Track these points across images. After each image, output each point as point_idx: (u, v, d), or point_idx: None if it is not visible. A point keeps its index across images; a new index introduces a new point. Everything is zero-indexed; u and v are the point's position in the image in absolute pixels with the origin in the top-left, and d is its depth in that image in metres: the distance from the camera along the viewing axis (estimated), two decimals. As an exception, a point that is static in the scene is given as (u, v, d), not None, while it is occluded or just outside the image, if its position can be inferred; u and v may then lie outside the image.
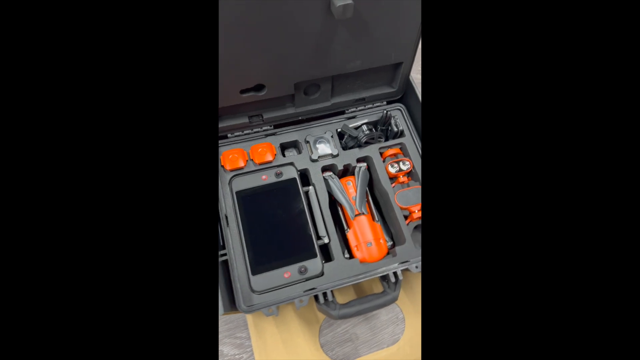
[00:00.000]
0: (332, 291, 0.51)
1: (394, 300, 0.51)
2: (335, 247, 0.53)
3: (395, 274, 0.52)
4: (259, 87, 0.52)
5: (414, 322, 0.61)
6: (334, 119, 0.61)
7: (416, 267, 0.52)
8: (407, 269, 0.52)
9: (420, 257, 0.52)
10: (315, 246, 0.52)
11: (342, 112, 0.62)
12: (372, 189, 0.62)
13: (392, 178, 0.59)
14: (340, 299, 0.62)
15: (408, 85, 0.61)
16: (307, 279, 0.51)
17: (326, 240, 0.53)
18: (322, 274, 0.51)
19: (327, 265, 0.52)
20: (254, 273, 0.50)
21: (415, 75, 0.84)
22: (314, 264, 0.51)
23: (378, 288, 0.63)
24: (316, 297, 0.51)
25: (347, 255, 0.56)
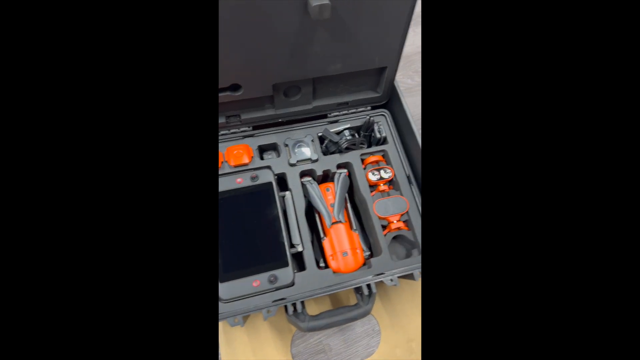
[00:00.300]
0: (302, 302, 0.49)
1: (366, 313, 0.49)
2: (309, 256, 0.51)
3: (369, 286, 0.50)
4: (234, 87, 0.50)
5: (389, 336, 0.59)
6: (316, 123, 0.59)
7: (391, 280, 0.50)
8: (381, 282, 0.50)
9: (395, 270, 0.50)
10: (288, 255, 0.50)
11: (325, 116, 0.60)
12: (353, 197, 0.60)
13: (373, 186, 0.58)
14: (316, 308, 0.60)
15: (393, 91, 0.59)
16: (277, 289, 0.49)
17: (300, 249, 0.52)
18: (292, 283, 0.49)
19: (298, 274, 0.50)
20: (222, 280, 0.48)
21: (404, 80, 0.83)
22: (285, 273, 0.49)
23: (355, 299, 0.61)
24: (286, 308, 0.49)
25: (322, 264, 0.54)
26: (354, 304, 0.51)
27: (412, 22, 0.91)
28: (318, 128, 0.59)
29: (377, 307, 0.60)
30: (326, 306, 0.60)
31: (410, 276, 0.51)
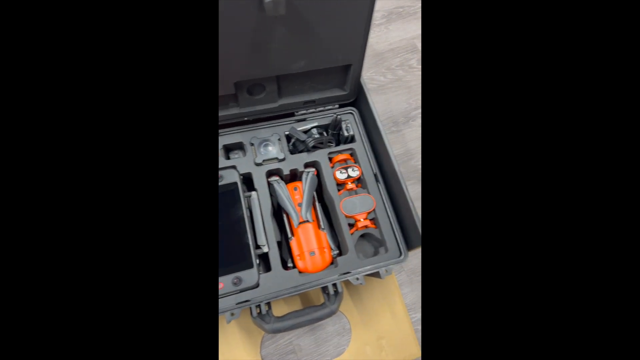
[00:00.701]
0: (268, 303, 0.49)
1: (332, 313, 0.49)
2: (274, 257, 0.51)
3: (334, 286, 0.50)
4: (195, 86, 0.49)
5: (360, 334, 0.59)
6: (283, 121, 0.58)
7: (357, 279, 0.50)
8: (347, 281, 0.50)
9: (361, 269, 0.50)
10: (253, 256, 0.49)
11: (292, 115, 0.59)
12: (321, 195, 0.59)
13: (340, 184, 0.57)
14: (286, 308, 0.59)
15: (360, 89, 0.59)
16: (241, 291, 0.48)
17: (265, 250, 0.51)
18: (257, 285, 0.48)
19: (264, 276, 0.49)
20: (184, 283, 0.47)
21: (377, 77, 0.82)
22: (250, 275, 0.48)
23: (325, 298, 0.61)
24: (250, 309, 0.48)
25: (290, 265, 0.53)
26: (318, 304, 0.51)
27: (385, 20, 0.91)
28: (285, 127, 0.58)
29: (348, 305, 0.60)
30: (297, 306, 0.60)
31: (376, 274, 0.51)
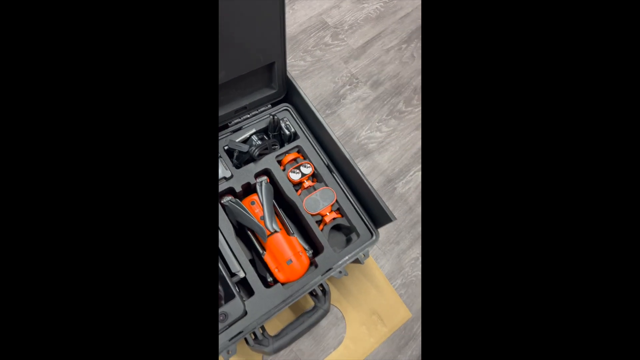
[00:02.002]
0: (262, 327, 0.47)
1: (325, 313, 0.50)
2: (253, 280, 0.49)
3: (321, 286, 0.50)
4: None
5: (353, 318, 0.61)
6: (218, 136, 0.54)
7: (339, 272, 0.51)
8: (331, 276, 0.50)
9: (341, 261, 0.51)
10: (231, 286, 0.47)
11: (225, 127, 0.55)
12: (281, 200, 0.58)
13: (297, 185, 0.56)
14: (278, 322, 0.58)
15: (289, 83, 0.56)
16: (230, 324, 0.46)
17: (241, 275, 0.48)
18: (245, 313, 0.46)
19: (248, 301, 0.47)
20: (167, 340, 0.43)
21: (297, 62, 0.80)
22: (234, 306, 0.46)
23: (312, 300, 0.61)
24: (246, 339, 0.46)
25: (270, 279, 0.52)
26: (311, 305, 0.51)
27: (288, 0, 0.87)
28: (222, 141, 0.54)
29: (335, 296, 0.62)
30: (289, 316, 0.59)
31: (356, 261, 0.52)
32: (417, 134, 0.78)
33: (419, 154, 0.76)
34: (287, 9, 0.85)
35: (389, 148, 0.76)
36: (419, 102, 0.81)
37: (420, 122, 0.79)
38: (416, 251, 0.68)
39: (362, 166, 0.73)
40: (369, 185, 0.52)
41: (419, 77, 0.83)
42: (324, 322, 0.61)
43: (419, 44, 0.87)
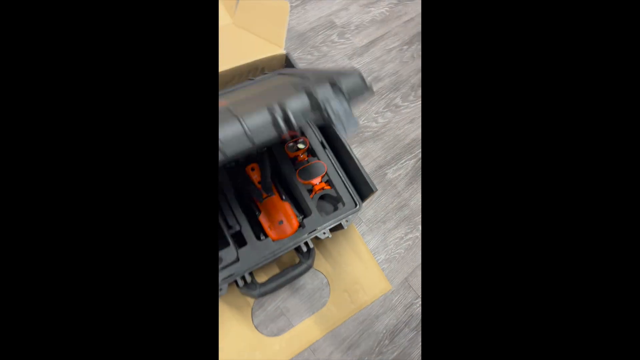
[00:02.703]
0: (251, 273, 0.54)
1: (309, 268, 0.56)
2: (247, 232, 0.55)
3: (306, 243, 0.56)
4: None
5: (337, 284, 0.67)
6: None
7: (324, 233, 0.57)
8: (317, 237, 0.57)
9: (326, 224, 0.57)
10: (227, 235, 0.54)
11: (234, 102, 0.63)
12: (278, 171, 0.65)
13: (293, 158, 0.63)
14: (265, 277, 0.65)
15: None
16: (224, 268, 0.52)
17: (237, 228, 0.55)
18: (237, 259, 0.53)
19: (241, 250, 0.54)
20: (169, 275, 0.50)
21: (304, 57, 0.88)
22: (228, 252, 0.53)
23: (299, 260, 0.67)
24: (236, 282, 0.53)
25: (263, 237, 0.58)
26: (298, 261, 0.57)
27: (300, 2, 0.96)
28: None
29: (321, 263, 0.68)
30: (275, 272, 0.66)
31: (339, 227, 0.59)
32: (411, 127, 0.84)
33: (412, 144, 0.82)
34: (299, 9, 0.93)
35: (383, 137, 0.82)
36: (415, 98, 0.87)
37: (414, 116, 0.85)
38: (401, 231, 0.74)
39: (356, 152, 0.79)
40: (357, 162, 0.59)
41: (417, 76, 0.90)
42: (309, 286, 0.66)
43: (419, 47, 0.93)
